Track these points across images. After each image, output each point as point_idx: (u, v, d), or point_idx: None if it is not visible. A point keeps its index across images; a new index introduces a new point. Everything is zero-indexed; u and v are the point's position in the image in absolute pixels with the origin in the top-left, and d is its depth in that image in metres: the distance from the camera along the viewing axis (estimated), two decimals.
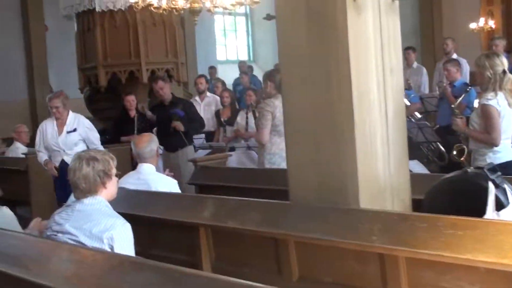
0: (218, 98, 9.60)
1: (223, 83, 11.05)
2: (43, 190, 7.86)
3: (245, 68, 13.06)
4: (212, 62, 16.06)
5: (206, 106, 9.43)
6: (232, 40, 18.99)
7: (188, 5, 7.25)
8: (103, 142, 13.98)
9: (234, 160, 6.35)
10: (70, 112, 6.95)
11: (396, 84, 3.27)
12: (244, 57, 19.05)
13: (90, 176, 3.04)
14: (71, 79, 14.95)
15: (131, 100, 8.93)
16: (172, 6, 7.52)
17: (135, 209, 3.92)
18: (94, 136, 6.99)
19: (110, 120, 10.71)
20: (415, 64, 10.02)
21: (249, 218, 3.40)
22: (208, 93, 9.65)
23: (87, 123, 7.06)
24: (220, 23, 18.54)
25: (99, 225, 2.93)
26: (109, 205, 3.11)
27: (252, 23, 19.22)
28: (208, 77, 13.25)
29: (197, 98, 9.57)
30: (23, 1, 14.13)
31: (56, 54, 14.61)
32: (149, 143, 4.63)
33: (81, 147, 6.61)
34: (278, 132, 5.63)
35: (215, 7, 7.65)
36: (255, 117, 7.91)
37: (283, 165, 5.59)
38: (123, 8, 9.41)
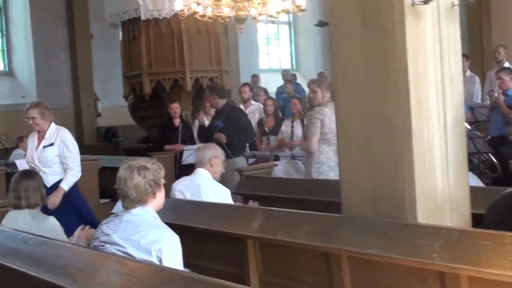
0: (262, 106, 9.52)
1: (266, 91, 10.96)
2: (88, 195, 7.87)
3: (288, 76, 12.94)
4: (255, 70, 16.01)
5: (250, 114, 9.30)
6: (274, 49, 18.92)
7: (234, 13, 7.18)
8: (146, 150, 14.10)
9: (280, 169, 6.23)
10: (52, 124, 5.94)
11: (455, 93, 3.13)
12: (286, 65, 18.94)
13: (141, 185, 2.98)
14: (116, 87, 15.13)
15: (175, 108, 8.90)
16: (218, 14, 7.47)
17: (181, 219, 3.85)
18: (70, 156, 5.75)
19: (154, 128, 10.76)
20: (468, 73, 9.71)
21: (300, 231, 3.28)
22: (252, 101, 9.57)
23: (68, 138, 5.86)
24: (263, 31, 18.49)
25: (147, 236, 2.86)
26: (157, 216, 3.04)
27: (295, 32, 19.12)
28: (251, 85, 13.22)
29: (241, 106, 9.49)
30: (69, 9, 14.34)
31: (101, 62, 14.77)
32: (207, 150, 4.79)
33: (59, 166, 5.73)
34: (327, 140, 5.51)
35: (260, 14, 7.57)
36: (303, 126, 7.79)
37: (331, 175, 5.48)
38: (168, 17, 9.43)
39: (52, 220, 3.81)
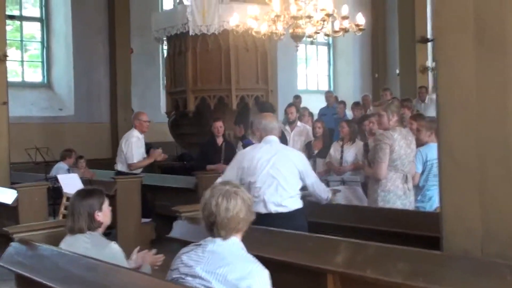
0: (309, 128, 9.18)
1: (310, 113, 10.65)
2: (130, 214, 7.60)
3: (332, 98, 12.62)
4: (293, 91, 15.73)
5: (296, 136, 9.00)
6: (312, 70, 18.66)
7: (291, 31, 6.90)
8: (182, 168, 13.84)
9: (339, 196, 5.88)
10: None
11: None
12: (324, 87, 18.69)
13: (242, 213, 2.68)
14: (153, 102, 15.00)
15: (219, 127, 8.61)
16: (273, 31, 7.20)
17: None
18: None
19: (193, 146, 10.50)
20: None
21: (395, 268, 2.93)
22: (298, 123, 9.21)
23: None
24: (301, 52, 18.25)
25: (235, 271, 2.54)
26: (244, 247, 2.73)
27: (334, 53, 18.86)
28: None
29: (287, 127, 9.15)
30: (111, 23, 14.23)
31: (139, 77, 14.63)
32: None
33: None
34: (394, 167, 5.17)
35: (317, 33, 7.29)
36: (366, 151, 7.45)
37: (398, 204, 5.14)
38: (216, 32, 9.19)
39: (114, 246, 3.49)
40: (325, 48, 18.84)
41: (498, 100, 2.68)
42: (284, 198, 4.65)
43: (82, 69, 13.87)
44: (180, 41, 9.67)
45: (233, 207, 2.67)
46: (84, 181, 7.75)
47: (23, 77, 14.01)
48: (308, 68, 18.62)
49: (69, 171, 9.03)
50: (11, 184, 8.09)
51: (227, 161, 8.60)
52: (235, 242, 2.69)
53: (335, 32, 7.09)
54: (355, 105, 10.93)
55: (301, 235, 3.61)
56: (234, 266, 2.56)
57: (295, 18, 6.70)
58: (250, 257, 2.66)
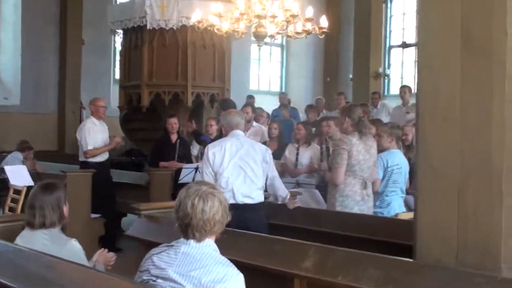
0: (264, 129, 9.13)
1: (268, 114, 10.60)
2: (79, 209, 7.37)
3: (285, 100, 12.59)
4: (245, 90, 15.65)
5: (251, 136, 8.89)
6: (265, 70, 18.63)
7: (253, 30, 6.82)
8: (130, 164, 13.56)
9: (298, 198, 5.82)
10: None
11: None
12: (276, 88, 18.71)
13: (219, 215, 2.57)
14: (104, 95, 14.58)
15: (173, 123, 8.43)
16: (235, 29, 7.10)
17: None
18: None
19: (144, 142, 10.31)
20: None
21: (366, 275, 2.88)
22: (254, 123, 9.13)
23: None
24: (254, 52, 18.20)
25: (210, 274, 2.44)
26: (217, 249, 2.63)
27: (287, 54, 18.87)
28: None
29: None
30: (62, 13, 13.86)
31: (90, 69, 14.28)
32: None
33: None
34: (353, 172, 5.15)
35: (278, 33, 7.23)
36: (328, 154, 7.42)
37: (356, 209, 5.14)
38: (175, 28, 9.03)
39: (74, 243, 3.33)
40: (278, 49, 18.83)
41: (481, 109, 2.67)
42: (252, 190, 4.89)
43: (31, 59, 13.44)
44: (136, 35, 9.47)
45: (210, 208, 2.57)
46: (32, 174, 7.48)
47: None
48: (261, 68, 18.58)
49: (23, 163, 8.71)
50: None
51: (181, 158, 8.50)
52: (209, 244, 2.58)
53: (297, 33, 7.03)
54: (310, 107, 10.94)
55: (268, 237, 3.53)
56: (208, 268, 2.46)
57: (259, 17, 6.61)
58: (225, 260, 2.56)
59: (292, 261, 3.22)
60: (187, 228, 2.57)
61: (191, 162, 8.43)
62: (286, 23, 6.76)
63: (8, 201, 6.69)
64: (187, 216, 2.54)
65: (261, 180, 5.00)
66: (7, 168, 7.24)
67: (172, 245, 2.58)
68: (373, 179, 5.38)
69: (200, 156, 8.51)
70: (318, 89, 18.78)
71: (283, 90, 18.64)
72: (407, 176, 5.72)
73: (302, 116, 13.18)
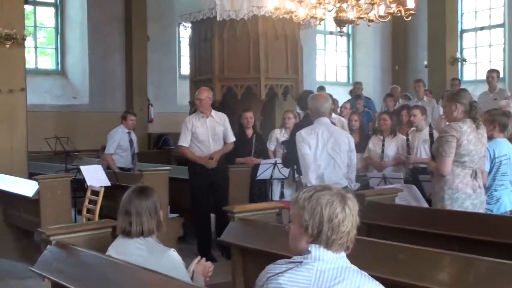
0: (344, 120, 8.68)
1: (353, 105, 10.14)
2: None
3: (361, 90, 12.03)
4: (312, 82, 15.20)
5: None
6: (331, 61, 18.11)
7: (334, 15, 6.38)
8: None
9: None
10: None
11: None
12: (343, 78, 18.19)
13: (351, 225, 2.18)
14: (170, 92, 14.52)
15: (249, 117, 8.11)
16: (313, 15, 6.68)
17: None
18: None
19: None
20: None
21: None
22: (333, 115, 8.67)
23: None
24: (320, 42, 17.72)
25: (349, 285, 2.05)
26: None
27: (353, 44, 18.30)
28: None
29: None
30: (127, 10, 13.76)
31: (156, 65, 14.14)
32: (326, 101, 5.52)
33: None
34: (462, 163, 4.65)
35: (359, 18, 6.76)
36: (408, 146, 6.95)
37: (468, 203, 4.66)
38: (246, 18, 8.67)
39: (173, 254, 3.00)
40: (344, 38, 18.28)
41: None
42: (340, 176, 5.41)
43: (97, 57, 13.42)
44: (206, 27, 9.16)
45: (348, 217, 2.18)
46: (108, 173, 7.27)
47: (36, 64, 13.53)
48: (327, 59, 18.06)
49: (129, 134, 8.85)
50: (30, 175, 7.62)
51: (258, 153, 8.14)
52: (343, 257, 2.20)
53: (381, 17, 6.55)
54: (389, 96, 10.42)
55: (392, 245, 3.08)
56: (347, 282, 2.08)
57: (341, 0, 6.17)
58: (357, 269, 2.16)
59: (422, 272, 2.79)
60: (321, 239, 2.18)
61: (268, 157, 8.09)
62: (370, 6, 6.29)
63: (86, 203, 6.49)
64: (322, 224, 2.16)
65: (345, 166, 5.50)
66: (83, 168, 7.05)
67: (300, 262, 2.18)
68: (481, 169, 4.87)
69: (282, 147, 8.15)
70: (386, 78, 18.15)
71: (350, 81, 18.13)
72: None
73: (377, 106, 12.69)
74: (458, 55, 13.61)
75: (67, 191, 6.60)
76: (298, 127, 6.05)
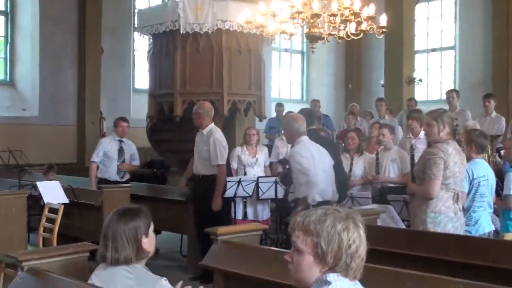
0: None
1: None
2: None
3: (318, 107, 11.95)
4: (268, 99, 15.08)
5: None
6: (285, 78, 18.09)
7: (306, 30, 6.25)
8: (151, 176, 13.00)
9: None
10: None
11: None
12: (297, 96, 18.20)
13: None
14: (123, 106, 14.12)
15: None
16: (283, 31, 6.54)
17: None
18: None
19: (173, 153, 9.73)
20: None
21: None
22: None
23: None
24: (275, 59, 17.68)
25: None
26: None
27: (308, 62, 18.35)
28: (275, 115, 12.28)
29: (284, 137, 8.44)
30: (81, 21, 13.38)
31: (110, 78, 13.77)
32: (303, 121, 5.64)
33: None
34: (446, 186, 4.55)
35: (330, 35, 6.66)
36: (378, 165, 6.86)
37: (449, 227, 4.57)
38: (210, 31, 8.47)
39: (165, 284, 2.72)
40: (299, 56, 18.31)
41: None
42: (334, 193, 5.62)
43: (49, 68, 12.97)
44: (167, 40, 8.89)
45: (362, 243, 2.04)
46: (66, 190, 6.91)
47: None
48: (281, 76, 18.03)
49: (120, 143, 8.33)
50: None
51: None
52: (357, 284, 2.05)
53: (353, 34, 6.46)
54: (351, 114, 10.37)
55: (401, 272, 2.90)
56: None
57: (316, 16, 6.04)
58: None
59: None
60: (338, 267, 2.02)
61: (230, 175, 7.87)
62: (345, 23, 6.18)
63: (43, 221, 6.12)
64: (340, 251, 2.00)
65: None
66: (40, 184, 6.69)
67: None
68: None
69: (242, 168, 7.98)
70: (340, 97, 18.24)
71: (304, 98, 18.13)
72: (494, 189, 5.13)
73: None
74: (414, 75, 13.75)
75: (23, 208, 6.22)
76: None
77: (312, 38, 6.41)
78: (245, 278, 3.44)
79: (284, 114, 12.04)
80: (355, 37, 6.49)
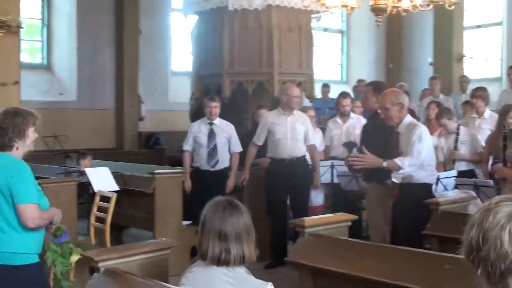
0: (362, 119, 8.05)
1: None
2: (170, 215, 6.45)
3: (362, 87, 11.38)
4: None
5: (350, 128, 7.85)
6: (324, 58, 17.55)
7: (371, 2, 5.78)
8: None
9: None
10: None
11: None
12: (337, 76, 17.66)
13: None
14: (162, 89, 13.78)
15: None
16: (344, 4, 6.08)
17: None
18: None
19: None
20: None
21: None
22: (352, 114, 8.03)
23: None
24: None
25: None
26: None
27: (348, 41, 17.78)
28: (321, 95, 11.77)
29: (338, 119, 7.97)
30: (119, 2, 13.00)
31: (147, 60, 13.40)
32: None
33: None
34: None
35: (395, 7, 6.17)
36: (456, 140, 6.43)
37: None
38: (259, 8, 8.03)
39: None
40: (339, 35, 17.75)
41: None
42: None
43: (86, 52, 12.63)
44: (214, 17, 8.49)
45: None
46: (115, 176, 6.56)
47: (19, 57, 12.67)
48: (320, 56, 17.51)
49: (210, 125, 7.17)
50: None
51: None
52: None
53: (421, 5, 5.97)
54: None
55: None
56: None
57: None
58: None
59: None
60: (504, 278, 1.52)
61: None
62: None
63: (94, 210, 5.78)
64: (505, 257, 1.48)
65: None
66: (89, 171, 6.34)
67: None
68: None
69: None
70: (380, 77, 17.66)
71: (344, 79, 17.62)
72: None
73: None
74: (464, 52, 13.15)
75: (73, 197, 5.88)
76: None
77: (377, 11, 5.93)
78: (339, 276, 3.03)
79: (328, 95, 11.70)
80: (422, 10, 6.00)
